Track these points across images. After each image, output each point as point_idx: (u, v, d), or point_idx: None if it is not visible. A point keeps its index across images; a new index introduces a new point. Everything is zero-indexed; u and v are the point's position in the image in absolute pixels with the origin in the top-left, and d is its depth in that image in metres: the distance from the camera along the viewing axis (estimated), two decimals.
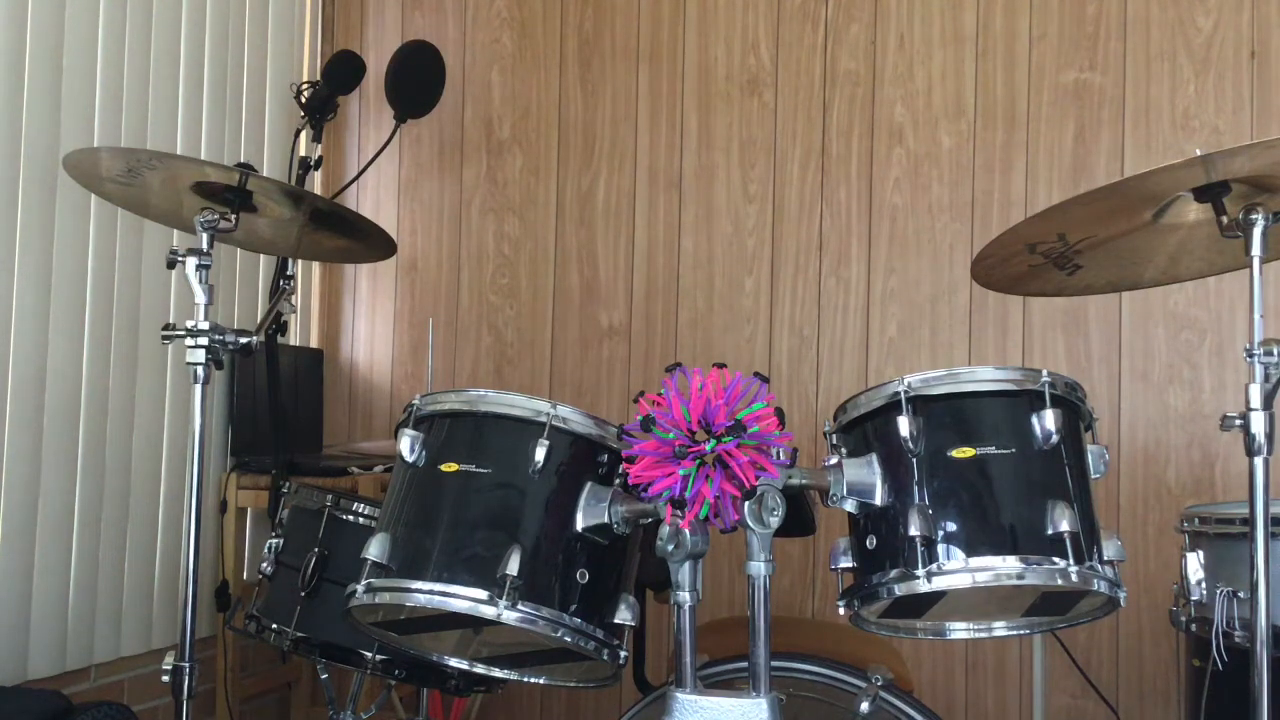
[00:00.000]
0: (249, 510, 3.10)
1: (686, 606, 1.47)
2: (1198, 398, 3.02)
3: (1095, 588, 1.45)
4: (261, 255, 3.20)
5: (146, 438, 2.84)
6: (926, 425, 1.49)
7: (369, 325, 3.66)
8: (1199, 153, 1.50)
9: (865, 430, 1.55)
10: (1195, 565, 1.82)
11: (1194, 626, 2.10)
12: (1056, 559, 1.43)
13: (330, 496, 2.01)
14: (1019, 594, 1.55)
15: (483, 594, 1.49)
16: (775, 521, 1.42)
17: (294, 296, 2.34)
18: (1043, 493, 1.47)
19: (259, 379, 3.08)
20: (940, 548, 1.45)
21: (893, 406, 1.50)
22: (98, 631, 2.69)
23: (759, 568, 1.45)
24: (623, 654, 1.59)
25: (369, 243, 2.20)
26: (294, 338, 3.50)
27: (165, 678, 1.86)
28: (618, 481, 1.54)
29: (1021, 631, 1.68)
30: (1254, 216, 1.55)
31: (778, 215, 3.32)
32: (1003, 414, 1.51)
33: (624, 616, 1.58)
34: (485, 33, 3.58)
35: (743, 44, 3.37)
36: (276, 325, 2.46)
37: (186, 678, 1.87)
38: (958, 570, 1.44)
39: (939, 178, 3.21)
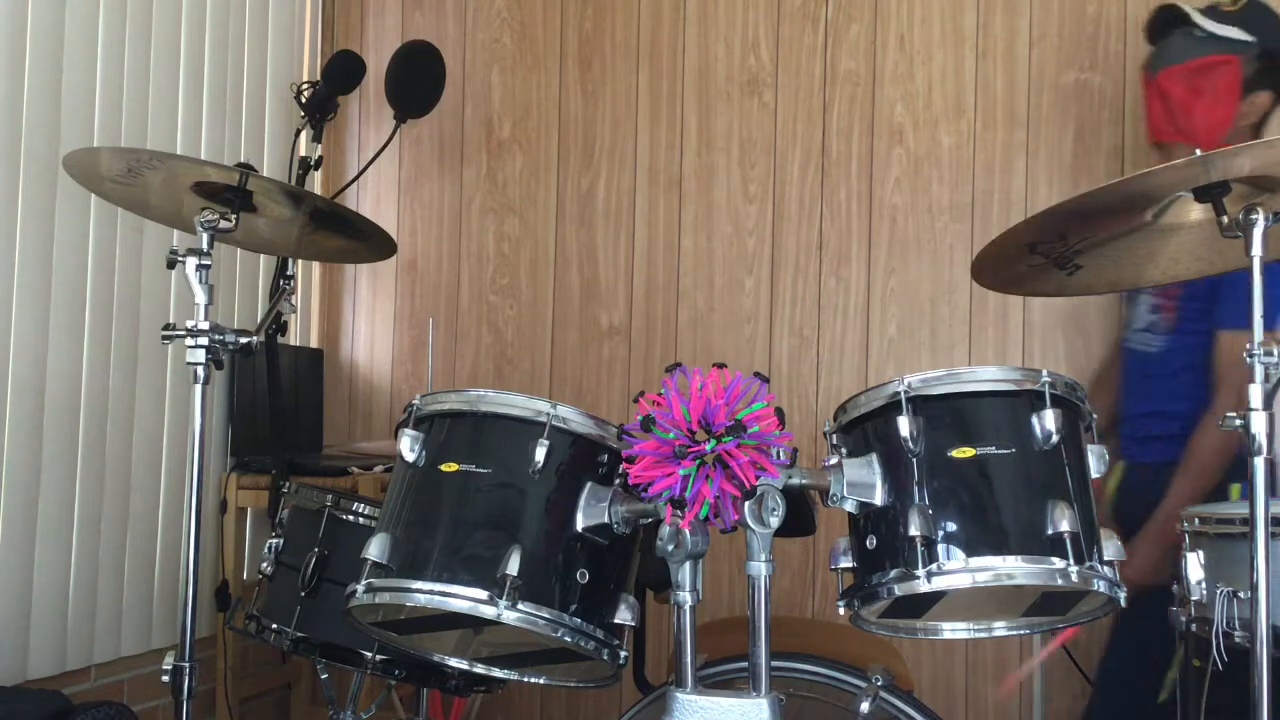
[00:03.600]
0: (249, 510, 3.10)
1: (686, 606, 1.47)
2: None
3: (1095, 588, 1.45)
4: (261, 255, 3.20)
5: (146, 438, 2.84)
6: (926, 425, 1.49)
7: (369, 325, 3.66)
8: (1199, 153, 1.50)
9: (865, 430, 1.55)
10: (1195, 565, 1.82)
11: (1194, 626, 2.10)
12: (1056, 559, 1.43)
13: (330, 496, 2.01)
14: (1019, 594, 1.55)
15: (483, 594, 1.49)
16: (775, 521, 1.42)
17: (294, 296, 2.33)
18: (1042, 493, 1.47)
19: (259, 379, 3.08)
20: (940, 548, 1.44)
21: (893, 406, 1.50)
22: (98, 631, 2.69)
23: (759, 568, 1.45)
24: (623, 654, 1.59)
25: (369, 243, 2.20)
26: (294, 338, 3.50)
27: (165, 678, 1.86)
28: (618, 481, 1.54)
29: (1021, 631, 1.68)
30: (1254, 216, 1.54)
31: (778, 215, 3.32)
32: (1003, 414, 1.51)
33: (624, 616, 1.58)
34: (485, 33, 3.58)
35: (743, 44, 3.37)
36: (276, 325, 2.45)
37: (186, 678, 1.86)
38: (958, 570, 1.44)
39: (939, 178, 3.21)
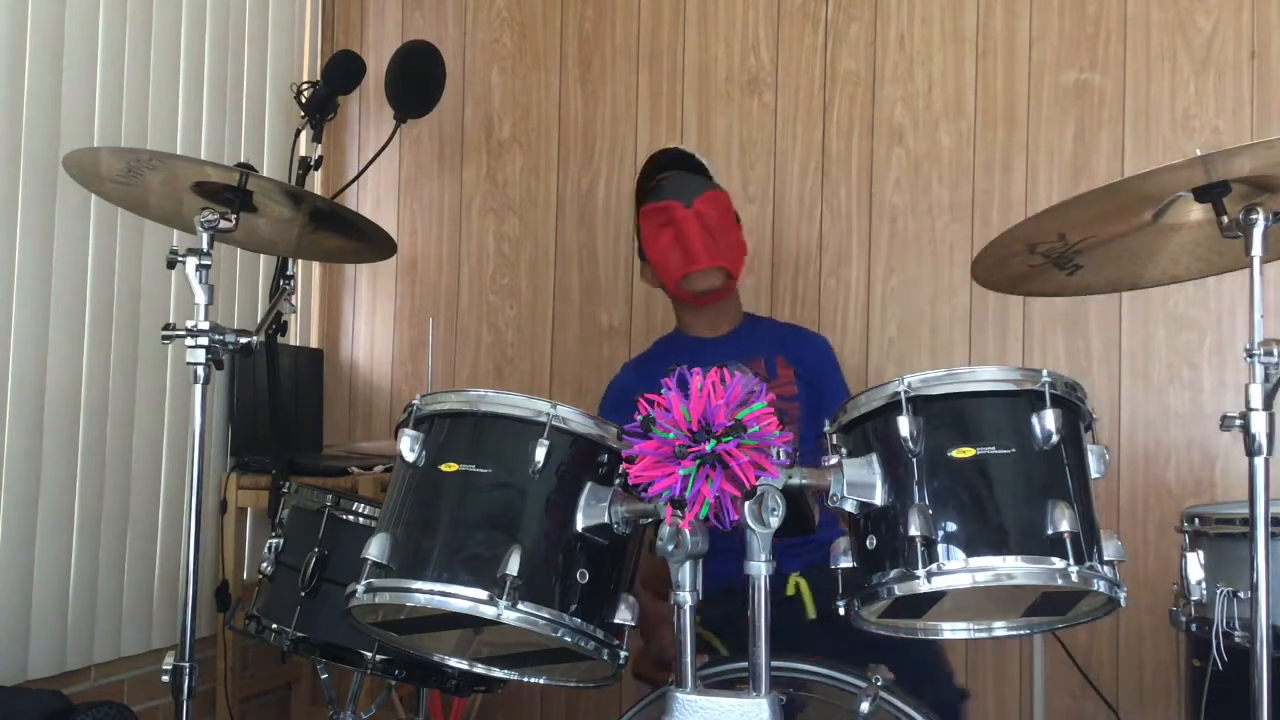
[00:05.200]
0: (249, 510, 3.10)
1: (687, 606, 1.47)
2: (1198, 398, 3.02)
3: (1095, 588, 1.44)
4: (261, 255, 3.20)
5: (146, 438, 2.84)
6: (926, 425, 1.49)
7: (369, 325, 3.66)
8: (1199, 153, 1.50)
9: (865, 430, 1.55)
10: (1195, 565, 1.82)
11: (1194, 626, 2.10)
12: (1056, 559, 1.43)
13: (330, 496, 2.01)
14: (1019, 594, 1.55)
15: (483, 594, 1.49)
16: (775, 521, 1.42)
17: (294, 296, 2.33)
18: (1043, 493, 1.47)
19: (259, 379, 3.07)
20: (940, 548, 1.44)
21: (893, 406, 1.50)
22: (98, 631, 2.69)
23: (759, 568, 1.45)
24: (623, 654, 1.59)
25: (369, 243, 2.20)
26: (294, 338, 3.50)
27: (165, 678, 1.86)
28: (618, 481, 1.54)
29: (1021, 631, 1.68)
30: (1254, 216, 1.54)
31: (778, 215, 3.32)
32: (1003, 414, 1.51)
33: (624, 616, 1.58)
34: (485, 33, 3.58)
35: (743, 44, 3.37)
36: (276, 325, 2.46)
37: (186, 678, 1.87)
38: (958, 570, 1.43)
39: (939, 178, 3.21)
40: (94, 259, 2.68)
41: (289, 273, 2.37)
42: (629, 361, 2.71)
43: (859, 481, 1.50)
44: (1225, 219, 1.57)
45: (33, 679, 2.48)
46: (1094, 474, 1.52)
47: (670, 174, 2.48)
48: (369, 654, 1.93)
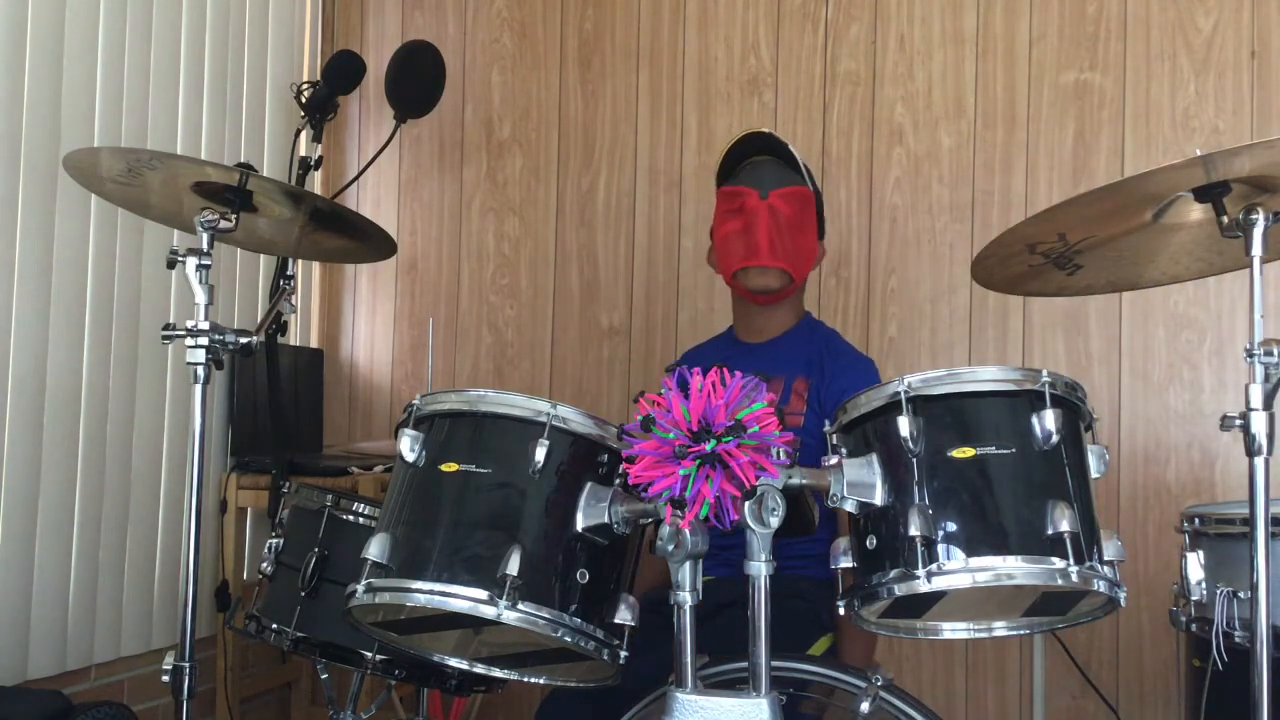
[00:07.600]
0: (249, 510, 3.10)
1: (687, 606, 1.47)
2: (1198, 398, 3.02)
3: (1095, 588, 1.44)
4: (261, 255, 3.20)
5: (146, 438, 2.84)
6: (926, 425, 1.49)
7: (369, 325, 3.66)
8: (1199, 153, 1.50)
9: (865, 430, 1.55)
10: (1195, 565, 1.82)
11: (1194, 626, 2.10)
12: (1056, 559, 1.43)
13: (330, 496, 2.01)
14: (1019, 594, 1.55)
15: (483, 594, 1.49)
16: (775, 521, 1.42)
17: (294, 296, 2.33)
18: (1043, 493, 1.47)
19: (259, 379, 3.08)
20: (940, 548, 1.44)
21: (893, 406, 1.50)
22: (98, 631, 2.69)
23: (759, 568, 1.45)
24: (623, 654, 1.59)
25: (369, 243, 2.20)
26: (294, 338, 3.50)
27: (165, 678, 1.86)
28: (618, 481, 1.54)
29: (1021, 631, 1.68)
30: (1254, 216, 1.54)
31: None
32: (1003, 414, 1.51)
33: (624, 616, 1.58)
34: (485, 33, 3.58)
35: (743, 44, 3.37)
36: (276, 325, 2.45)
37: (186, 678, 1.87)
38: (958, 570, 1.43)
39: (939, 178, 3.21)
40: (94, 259, 2.68)
41: (289, 273, 2.37)
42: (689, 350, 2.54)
43: (859, 481, 1.50)
44: (1225, 219, 1.57)
45: (33, 679, 2.48)
46: (1094, 474, 1.52)
47: (760, 159, 2.31)
48: (369, 654, 1.93)
